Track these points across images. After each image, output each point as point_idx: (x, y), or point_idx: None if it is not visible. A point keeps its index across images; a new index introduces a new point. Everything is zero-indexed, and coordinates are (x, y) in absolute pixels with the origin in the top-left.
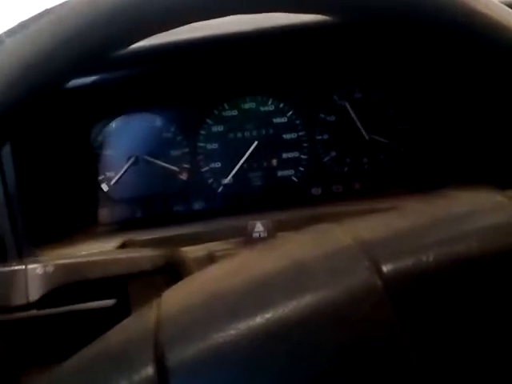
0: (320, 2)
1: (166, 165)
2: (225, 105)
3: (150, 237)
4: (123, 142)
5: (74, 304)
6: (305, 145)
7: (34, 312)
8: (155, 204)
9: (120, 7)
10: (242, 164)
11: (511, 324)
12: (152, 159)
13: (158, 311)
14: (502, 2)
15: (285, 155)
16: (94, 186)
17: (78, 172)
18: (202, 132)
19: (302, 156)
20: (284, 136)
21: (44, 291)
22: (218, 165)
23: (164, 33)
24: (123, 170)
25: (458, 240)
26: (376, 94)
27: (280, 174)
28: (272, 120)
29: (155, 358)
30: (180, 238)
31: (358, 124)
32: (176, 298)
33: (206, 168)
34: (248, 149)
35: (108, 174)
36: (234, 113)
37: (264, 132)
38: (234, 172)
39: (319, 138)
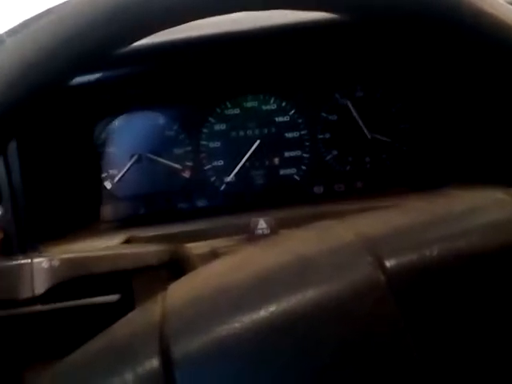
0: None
1: (169, 163)
2: (227, 103)
3: (153, 234)
4: (126, 139)
5: (78, 299)
6: (307, 143)
7: (38, 307)
8: (158, 201)
9: (121, 5)
10: (245, 162)
11: None
12: (155, 157)
13: (163, 305)
14: (508, 2)
15: (287, 154)
16: (97, 184)
17: (81, 169)
18: (205, 130)
19: (304, 155)
20: (286, 135)
21: (49, 285)
22: (220, 163)
23: (166, 31)
24: (126, 167)
25: (460, 236)
26: (378, 92)
27: (282, 172)
28: (274, 119)
29: (160, 351)
30: (183, 235)
31: (360, 123)
32: (181, 291)
33: (209, 166)
34: (250, 147)
35: (111, 171)
36: (237, 111)
37: (266, 131)
38: (236, 170)
39: (321, 136)
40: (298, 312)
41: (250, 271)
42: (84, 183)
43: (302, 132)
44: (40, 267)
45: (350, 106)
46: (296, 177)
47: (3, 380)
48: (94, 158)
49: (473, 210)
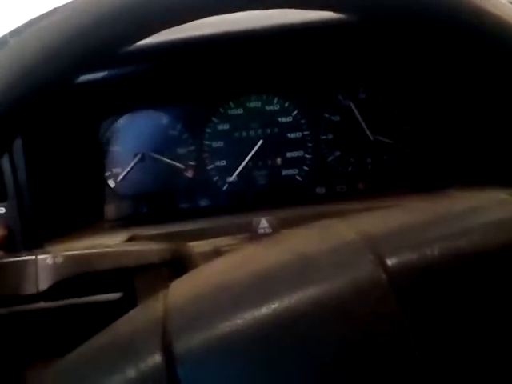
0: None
1: (172, 162)
2: (230, 103)
3: (156, 232)
4: (130, 138)
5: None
6: (309, 144)
7: (41, 304)
8: (161, 200)
9: (126, 4)
10: (247, 162)
11: None
12: (158, 156)
13: (165, 302)
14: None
15: (289, 154)
16: (100, 182)
17: (85, 168)
18: (208, 130)
19: (307, 155)
20: (289, 135)
21: (53, 281)
22: (223, 163)
23: (169, 30)
24: (130, 166)
25: (461, 235)
26: (381, 94)
27: (284, 172)
28: (277, 119)
29: (163, 347)
30: (185, 234)
31: (363, 124)
32: (183, 289)
33: (212, 166)
34: (253, 147)
35: (115, 170)
36: (240, 111)
37: (269, 131)
38: (239, 170)
39: (324, 137)
40: (300, 310)
41: (252, 269)
42: (88, 181)
43: (305, 132)
44: (44, 263)
45: (353, 107)
46: (298, 177)
47: (5, 377)
48: (98, 156)
49: (474, 210)
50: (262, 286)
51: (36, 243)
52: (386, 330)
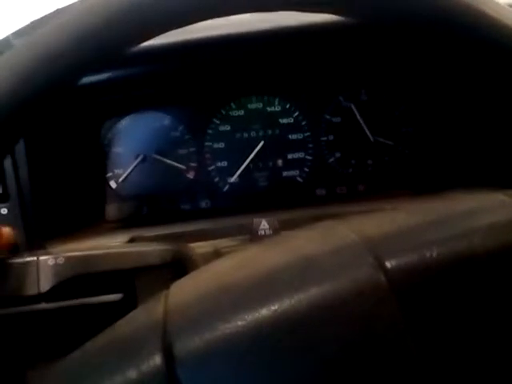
0: (338, 2)
1: (174, 163)
2: (232, 105)
3: (157, 233)
4: (132, 140)
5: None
6: (310, 145)
7: (42, 305)
8: (162, 201)
9: (134, 5)
10: (248, 164)
11: None
12: (160, 157)
13: (166, 303)
14: (509, 5)
15: (290, 156)
16: (102, 183)
17: (87, 168)
18: (209, 131)
19: (307, 157)
20: (289, 136)
21: (55, 282)
22: (224, 164)
23: (171, 33)
24: (131, 167)
25: (461, 237)
26: (381, 96)
27: (285, 174)
28: (278, 120)
29: (163, 348)
30: (186, 235)
31: (364, 126)
32: (184, 290)
33: (213, 167)
34: (254, 149)
35: (116, 171)
36: (241, 113)
37: (270, 132)
38: (239, 171)
39: (324, 139)
40: (299, 311)
41: (252, 270)
42: (89, 182)
43: (306, 134)
44: (46, 264)
45: (354, 108)
46: (299, 179)
47: (7, 378)
48: (100, 157)
49: (473, 211)
50: (263, 287)
51: (38, 244)
52: (385, 332)
